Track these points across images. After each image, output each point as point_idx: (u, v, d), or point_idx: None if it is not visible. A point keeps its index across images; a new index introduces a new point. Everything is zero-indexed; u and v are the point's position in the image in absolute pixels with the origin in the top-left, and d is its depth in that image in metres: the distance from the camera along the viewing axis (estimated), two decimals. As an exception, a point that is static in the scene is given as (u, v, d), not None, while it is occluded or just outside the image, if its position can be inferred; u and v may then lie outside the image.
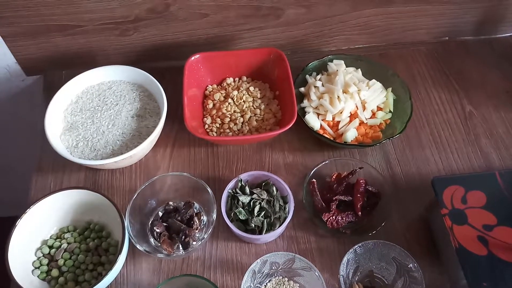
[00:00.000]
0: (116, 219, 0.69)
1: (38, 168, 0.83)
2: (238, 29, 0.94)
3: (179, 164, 0.84)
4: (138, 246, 0.68)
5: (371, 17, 0.96)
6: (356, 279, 0.70)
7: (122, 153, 0.75)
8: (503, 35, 1.05)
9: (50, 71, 0.96)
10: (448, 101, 0.93)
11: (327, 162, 0.78)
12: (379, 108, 0.87)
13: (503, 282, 0.61)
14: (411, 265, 0.66)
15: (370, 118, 0.86)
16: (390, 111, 0.87)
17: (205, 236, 0.71)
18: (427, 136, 0.88)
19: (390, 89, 0.88)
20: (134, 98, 0.85)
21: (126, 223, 0.69)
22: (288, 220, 0.71)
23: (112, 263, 0.68)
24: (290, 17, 0.93)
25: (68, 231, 0.74)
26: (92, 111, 0.83)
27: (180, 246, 0.71)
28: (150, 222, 0.75)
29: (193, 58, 0.86)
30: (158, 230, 0.72)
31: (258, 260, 0.66)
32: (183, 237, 0.71)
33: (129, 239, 0.69)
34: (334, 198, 0.75)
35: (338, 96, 0.83)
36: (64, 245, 0.72)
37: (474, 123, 0.90)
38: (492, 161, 0.84)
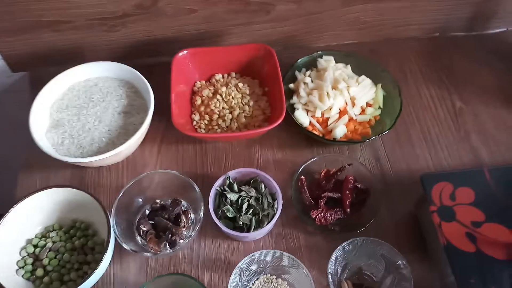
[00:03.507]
0: (102, 218, 0.68)
1: (24, 166, 0.82)
2: (227, 24, 0.93)
3: (167, 161, 0.83)
4: (124, 245, 0.67)
5: (361, 12, 0.95)
6: (345, 276, 0.70)
7: (108, 151, 0.74)
8: (494, 31, 1.05)
9: (36, 68, 0.95)
10: (438, 97, 0.93)
11: (316, 158, 0.78)
12: (368, 105, 0.87)
13: (491, 278, 0.61)
14: (399, 262, 0.66)
15: (360, 114, 0.85)
16: (379, 107, 0.87)
17: (193, 234, 0.70)
18: (417, 132, 0.88)
19: (379, 85, 0.87)
20: (121, 95, 0.83)
21: (112, 221, 0.68)
22: (277, 217, 0.70)
23: (98, 262, 0.66)
24: (280, 12, 0.92)
25: (54, 230, 0.73)
26: (78, 108, 0.82)
27: (167, 244, 0.70)
28: (137, 220, 0.74)
29: (180, 54, 0.85)
30: (144, 229, 0.71)
31: (246, 258, 0.66)
32: (170, 235, 0.70)
33: (115, 237, 0.68)
34: (322, 195, 0.74)
35: (328, 92, 0.83)
36: (49, 244, 0.71)
37: (464, 119, 0.90)
38: (482, 157, 0.84)
